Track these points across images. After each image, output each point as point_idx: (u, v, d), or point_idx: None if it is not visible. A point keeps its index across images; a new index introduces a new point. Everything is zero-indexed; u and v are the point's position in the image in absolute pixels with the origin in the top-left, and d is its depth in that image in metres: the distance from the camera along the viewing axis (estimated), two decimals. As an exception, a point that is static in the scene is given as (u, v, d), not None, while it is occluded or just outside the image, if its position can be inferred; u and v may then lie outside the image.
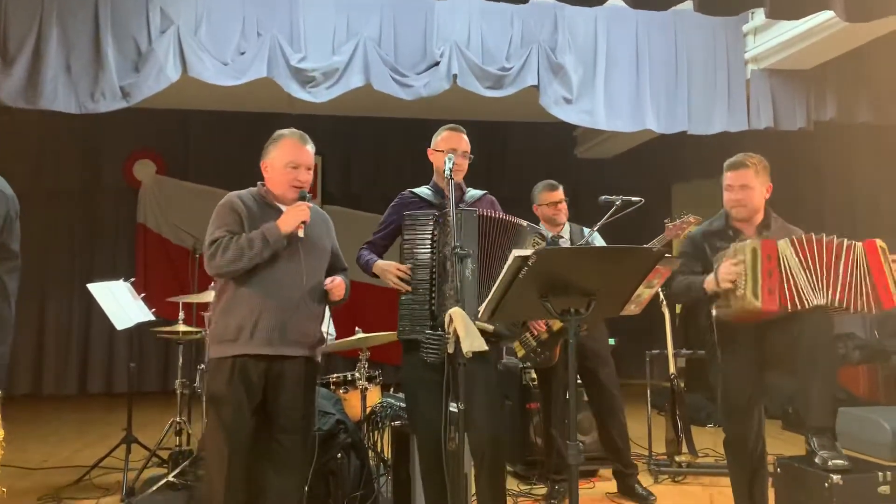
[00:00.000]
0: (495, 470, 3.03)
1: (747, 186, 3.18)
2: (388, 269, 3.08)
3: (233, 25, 5.19)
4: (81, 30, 4.95)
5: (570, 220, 4.50)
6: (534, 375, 4.76)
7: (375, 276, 3.17)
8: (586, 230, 4.44)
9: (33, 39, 4.85)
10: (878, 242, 2.98)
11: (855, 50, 5.82)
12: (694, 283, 3.14)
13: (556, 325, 3.75)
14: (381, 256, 3.26)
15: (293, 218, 2.88)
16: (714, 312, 3.07)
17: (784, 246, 2.93)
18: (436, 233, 3.00)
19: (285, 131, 3.04)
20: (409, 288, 3.01)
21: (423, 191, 3.26)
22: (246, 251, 2.81)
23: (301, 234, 2.90)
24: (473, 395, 2.89)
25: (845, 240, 2.98)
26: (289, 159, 2.96)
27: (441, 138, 3.26)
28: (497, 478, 3.05)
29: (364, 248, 3.29)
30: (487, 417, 2.97)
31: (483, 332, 2.90)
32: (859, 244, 2.97)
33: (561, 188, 4.43)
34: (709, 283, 3.03)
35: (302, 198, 2.96)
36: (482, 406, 2.95)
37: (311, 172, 3.03)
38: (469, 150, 3.24)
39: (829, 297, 2.90)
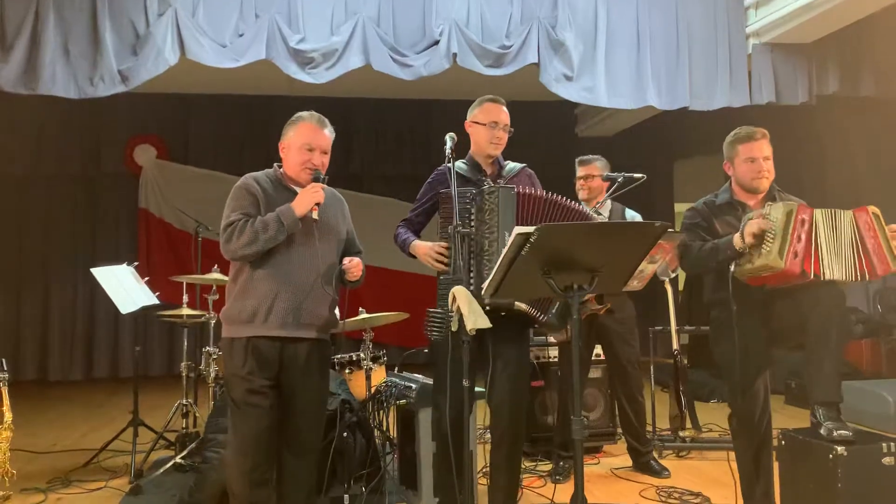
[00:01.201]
0: (513, 448, 3.04)
1: (769, 157, 3.15)
2: (426, 250, 3.03)
3: (231, 7, 5.16)
4: (79, 14, 4.93)
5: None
6: (537, 353, 4.79)
7: (413, 256, 3.13)
8: (629, 211, 4.40)
9: (30, 25, 4.83)
10: (871, 209, 2.95)
11: (857, 23, 5.76)
12: (720, 243, 3.06)
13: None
14: (418, 234, 3.21)
15: (307, 200, 2.86)
16: (731, 269, 3.02)
17: (819, 215, 2.90)
18: (473, 210, 2.92)
19: (304, 113, 3.03)
20: (448, 269, 2.96)
21: (460, 166, 3.15)
22: (261, 234, 2.80)
23: (315, 216, 2.88)
24: (498, 373, 2.91)
25: (841, 210, 2.95)
26: (304, 141, 2.96)
27: (480, 110, 3.18)
28: (514, 455, 3.06)
29: (401, 225, 3.24)
30: (510, 395, 2.98)
31: (525, 317, 2.91)
32: (848, 212, 2.94)
33: (594, 164, 4.34)
34: (737, 239, 2.97)
35: (316, 179, 2.94)
36: (504, 383, 2.95)
37: (328, 156, 3.03)
38: (509, 123, 3.17)
39: (845, 272, 2.87)
